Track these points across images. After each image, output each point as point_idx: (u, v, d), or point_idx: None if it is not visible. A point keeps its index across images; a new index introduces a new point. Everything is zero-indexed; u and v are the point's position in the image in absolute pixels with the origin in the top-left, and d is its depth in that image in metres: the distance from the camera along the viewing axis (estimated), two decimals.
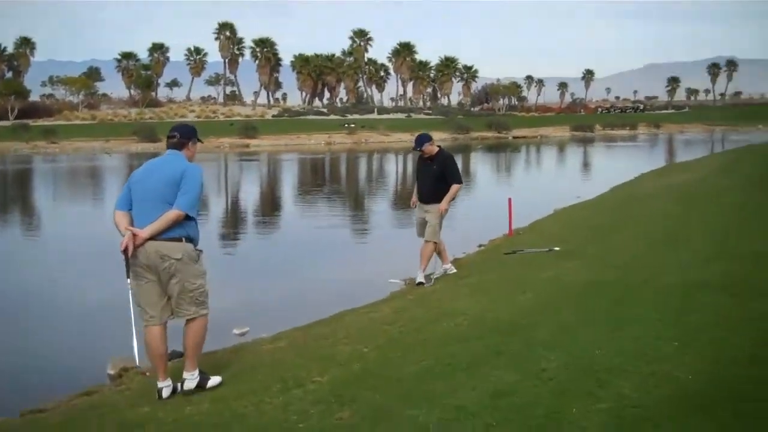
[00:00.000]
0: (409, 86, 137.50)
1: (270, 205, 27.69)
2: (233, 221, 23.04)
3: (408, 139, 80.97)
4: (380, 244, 17.18)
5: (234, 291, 11.80)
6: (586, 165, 46.86)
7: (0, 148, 68.62)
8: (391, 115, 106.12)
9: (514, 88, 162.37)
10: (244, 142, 74.11)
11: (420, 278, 10.82)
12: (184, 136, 6.59)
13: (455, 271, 11.20)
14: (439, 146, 10.98)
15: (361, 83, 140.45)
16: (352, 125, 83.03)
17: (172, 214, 6.15)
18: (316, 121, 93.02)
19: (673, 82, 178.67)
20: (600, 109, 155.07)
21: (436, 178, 10.73)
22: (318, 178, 39.84)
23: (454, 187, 10.72)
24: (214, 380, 6.54)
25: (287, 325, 9.34)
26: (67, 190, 35.52)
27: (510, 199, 14.99)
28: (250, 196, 31.66)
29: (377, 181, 37.74)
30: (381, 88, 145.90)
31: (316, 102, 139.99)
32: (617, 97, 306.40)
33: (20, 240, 19.76)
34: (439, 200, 10.76)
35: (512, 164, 49.08)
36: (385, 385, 5.94)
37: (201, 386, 6.42)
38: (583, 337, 6.52)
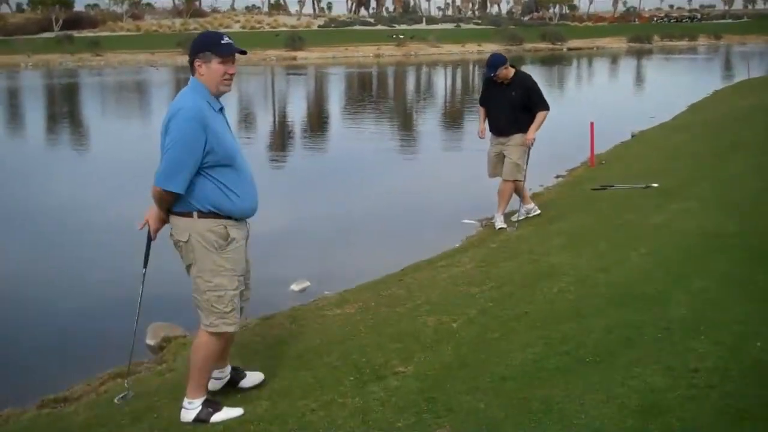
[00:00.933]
0: None
1: (319, 127, 26.13)
2: (280, 144, 21.69)
3: (459, 50, 78.64)
4: (445, 173, 15.54)
5: (285, 231, 10.59)
6: (650, 80, 44.13)
7: (46, 61, 67.89)
8: (440, 26, 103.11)
9: None
10: (291, 54, 72.34)
11: (500, 223, 9.50)
12: (190, 52, 4.44)
13: (539, 212, 9.82)
14: (514, 66, 9.44)
15: None
16: (401, 36, 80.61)
17: (153, 191, 4.37)
18: (364, 32, 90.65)
19: None
20: (655, 19, 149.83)
21: (517, 106, 9.26)
22: (370, 95, 38.21)
23: (542, 114, 9.25)
24: (228, 413, 4.64)
25: (351, 278, 8.15)
26: (116, 106, 34.44)
27: (592, 124, 13.48)
28: (298, 115, 30.13)
29: (433, 100, 36.02)
30: None
31: (362, 11, 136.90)
32: (671, 6, 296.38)
33: (69, 161, 18.76)
34: (521, 131, 9.34)
35: (571, 80, 46.67)
36: (489, 384, 4.68)
37: (202, 420, 4.61)
38: (731, 318, 5.18)
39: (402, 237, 10.14)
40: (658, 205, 8.87)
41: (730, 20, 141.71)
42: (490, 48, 79.97)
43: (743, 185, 9.38)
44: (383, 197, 13.04)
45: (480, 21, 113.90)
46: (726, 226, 7.52)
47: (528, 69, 49.90)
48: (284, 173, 16.47)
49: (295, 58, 70.48)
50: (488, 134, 9.68)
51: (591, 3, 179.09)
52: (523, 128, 9.30)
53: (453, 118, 26.88)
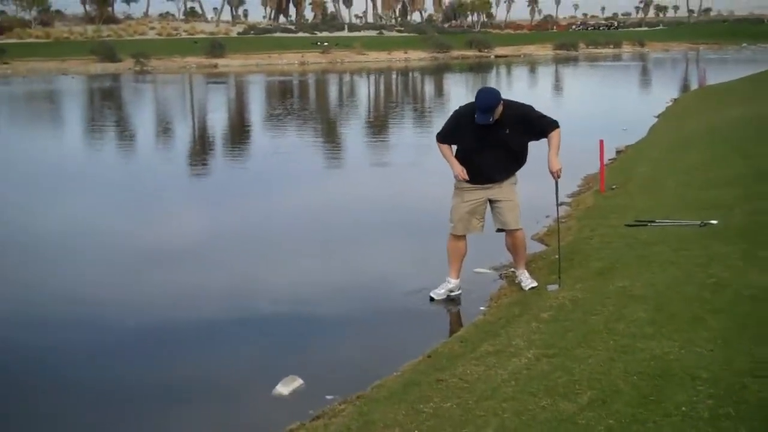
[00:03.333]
0: (379, 1, 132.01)
1: (243, 139, 23.05)
2: (201, 160, 19.01)
3: (386, 58, 76.38)
4: (423, 206, 12.93)
5: (241, 290, 8.20)
6: (598, 89, 41.00)
7: None
8: (362, 33, 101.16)
9: (484, 3, 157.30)
10: (212, 62, 69.33)
11: (528, 282, 7.36)
12: None
13: (458, 292, 7.60)
14: (502, 100, 7.05)
15: None
16: (326, 44, 78.33)
17: None
18: (286, 39, 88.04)
19: None
20: (573, 27, 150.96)
21: (514, 146, 7.16)
22: (305, 105, 35.49)
23: (556, 133, 7.08)
24: None
25: (355, 366, 5.93)
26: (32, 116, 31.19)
27: (602, 141, 11.47)
28: (219, 128, 27.16)
29: (371, 109, 33.71)
30: (349, 3, 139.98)
31: (281, 19, 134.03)
32: (585, 14, 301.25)
33: None
34: (513, 173, 7.36)
35: (514, 89, 44.33)
36: None
37: None
38: None
39: (404, 295, 7.76)
40: (745, 255, 6.79)
41: (646, 28, 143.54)
42: (417, 55, 78.15)
43: None
44: (358, 238, 10.42)
45: (402, 28, 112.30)
46: None
47: (458, 77, 47.81)
48: (215, 196, 13.71)
49: (216, 66, 67.49)
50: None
51: (508, 11, 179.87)
52: (515, 170, 7.37)
53: (400, 129, 24.48)
